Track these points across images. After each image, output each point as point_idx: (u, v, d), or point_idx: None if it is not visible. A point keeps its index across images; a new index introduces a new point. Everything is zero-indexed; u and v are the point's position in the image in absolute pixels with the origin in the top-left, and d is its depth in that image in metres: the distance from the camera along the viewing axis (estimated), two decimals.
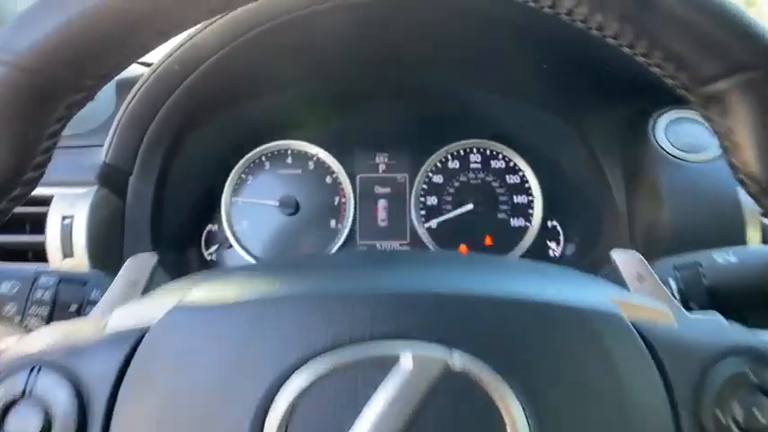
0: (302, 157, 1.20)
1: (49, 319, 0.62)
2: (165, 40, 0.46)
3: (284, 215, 1.16)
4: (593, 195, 1.07)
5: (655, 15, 0.41)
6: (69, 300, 0.64)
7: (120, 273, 0.56)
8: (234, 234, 1.15)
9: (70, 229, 0.81)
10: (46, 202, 0.84)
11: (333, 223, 1.18)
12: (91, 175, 0.86)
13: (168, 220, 1.08)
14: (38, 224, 0.83)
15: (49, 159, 0.45)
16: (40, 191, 0.86)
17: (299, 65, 1.00)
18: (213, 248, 1.16)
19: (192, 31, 0.79)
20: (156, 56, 0.80)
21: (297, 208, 1.17)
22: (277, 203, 1.16)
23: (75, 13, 0.41)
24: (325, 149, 1.19)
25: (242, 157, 1.17)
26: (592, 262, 1.05)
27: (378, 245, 1.19)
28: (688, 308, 0.70)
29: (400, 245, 1.19)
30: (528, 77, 0.98)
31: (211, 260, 1.17)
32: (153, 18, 0.43)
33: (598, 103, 0.97)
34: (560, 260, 1.19)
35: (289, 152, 1.20)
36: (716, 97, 0.42)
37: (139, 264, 0.56)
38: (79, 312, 0.64)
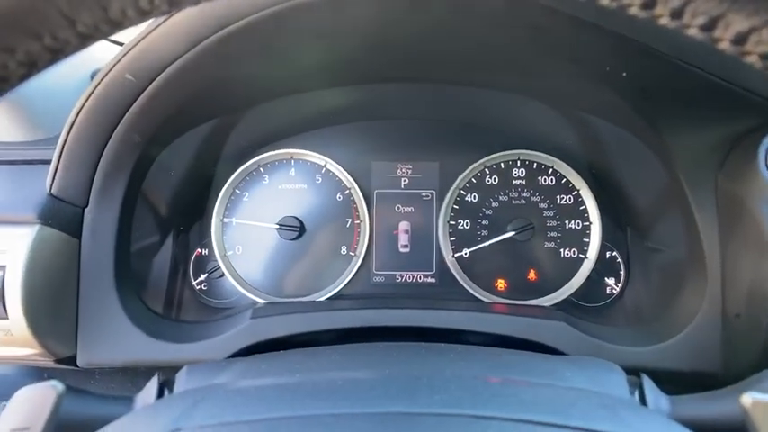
0: (308, 169, 0.99)
1: None
2: (10, 87, 0.27)
3: (286, 239, 0.97)
4: (671, 232, 0.84)
5: None
6: None
7: (3, 417, 0.38)
8: (225, 261, 0.97)
9: (1, 283, 0.64)
10: None
11: (344, 249, 0.98)
12: (31, 210, 0.68)
13: (147, 255, 0.90)
14: None
15: None
16: None
17: (304, 59, 0.78)
18: (202, 277, 0.99)
19: (141, 31, 0.58)
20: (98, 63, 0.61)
21: (301, 231, 0.97)
22: (277, 225, 0.96)
23: None
24: (336, 160, 0.98)
25: (235, 169, 0.97)
26: (664, 318, 0.83)
27: (397, 277, 0.99)
28: None
29: (424, 277, 0.99)
30: (597, 85, 0.74)
31: (201, 289, 0.99)
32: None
33: (691, 120, 0.73)
34: (619, 300, 0.98)
35: (292, 163, 0.99)
36: None
37: (32, 403, 0.38)
38: None
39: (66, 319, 0.71)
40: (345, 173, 0.98)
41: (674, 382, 0.64)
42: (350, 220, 0.98)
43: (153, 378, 0.55)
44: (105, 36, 0.26)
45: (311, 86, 0.88)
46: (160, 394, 0.54)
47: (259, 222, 0.97)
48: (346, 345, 0.65)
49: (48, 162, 0.73)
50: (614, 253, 0.98)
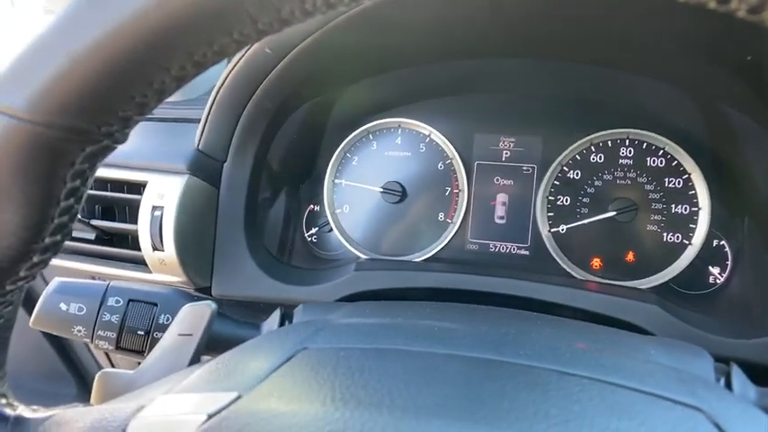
0: (413, 138, 1.05)
1: (118, 343, 0.59)
2: (199, 72, 0.35)
3: (388, 202, 1.05)
4: None
5: None
6: (137, 324, 0.60)
7: (173, 325, 0.49)
8: (334, 218, 1.07)
9: (160, 221, 0.78)
10: (140, 188, 0.81)
11: (441, 216, 1.04)
12: (182, 162, 0.81)
13: (264, 206, 1.02)
14: (133, 211, 0.82)
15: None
16: (134, 175, 0.84)
17: (418, 36, 0.83)
18: (314, 230, 1.10)
19: None
20: None
21: (403, 195, 1.04)
22: (381, 189, 1.04)
23: (80, 47, 0.31)
24: (440, 130, 1.03)
25: (347, 134, 1.05)
26: None
27: (491, 246, 1.03)
28: None
29: (518, 249, 1.02)
30: (720, 69, 0.71)
31: (312, 241, 1.10)
32: (182, 42, 0.31)
33: None
34: (724, 291, 0.94)
35: (399, 131, 1.05)
36: None
37: (194, 316, 0.49)
38: (148, 336, 0.60)
39: (205, 255, 0.85)
40: (448, 143, 1.02)
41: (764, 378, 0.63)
42: (449, 188, 1.03)
43: (276, 310, 0.65)
44: (278, 31, 0.33)
45: (421, 60, 0.92)
46: (282, 324, 0.64)
47: (365, 185, 1.05)
48: (440, 302, 0.71)
49: (193, 121, 0.86)
50: (722, 242, 0.94)
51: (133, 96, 0.34)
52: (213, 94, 0.77)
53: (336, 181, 1.07)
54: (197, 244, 0.83)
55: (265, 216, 1.06)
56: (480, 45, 0.86)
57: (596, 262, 0.98)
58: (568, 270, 0.98)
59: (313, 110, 0.99)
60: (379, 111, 1.05)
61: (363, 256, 1.05)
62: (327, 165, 1.06)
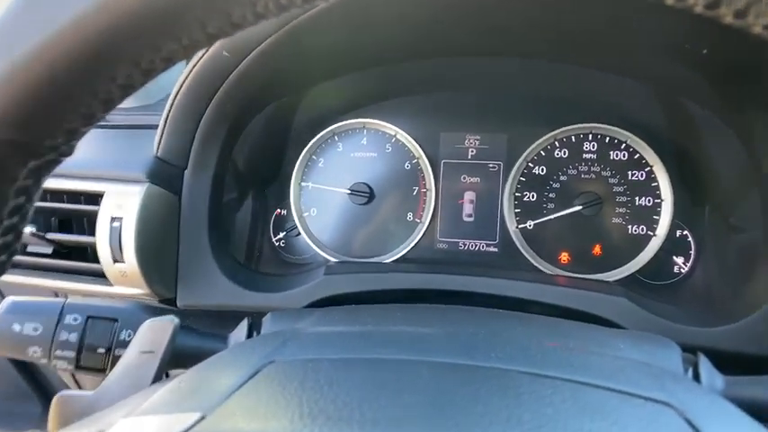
0: (379, 138, 1.04)
1: (77, 363, 0.57)
2: (147, 80, 0.33)
3: (356, 204, 1.03)
4: (749, 214, 0.82)
5: None
6: (97, 341, 0.58)
7: (134, 342, 0.47)
8: (302, 221, 1.05)
9: (119, 232, 0.75)
10: (97, 198, 0.78)
11: (410, 216, 1.04)
12: (141, 170, 0.78)
13: (230, 212, 1.00)
14: (91, 222, 0.78)
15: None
16: (90, 186, 0.81)
17: (380, 34, 0.82)
18: (281, 235, 1.08)
19: None
20: None
21: (371, 196, 1.03)
22: (349, 190, 1.03)
23: (18, 55, 0.29)
24: (406, 130, 1.02)
25: (312, 136, 1.04)
26: (733, 300, 0.82)
27: (460, 245, 1.03)
28: None
29: (487, 247, 1.03)
30: (677, 63, 0.73)
31: (280, 246, 1.08)
32: (126, 49, 0.30)
33: None
34: (688, 280, 0.97)
35: (364, 131, 1.04)
36: None
37: (155, 332, 0.47)
38: (109, 353, 0.58)
39: (168, 266, 0.82)
40: (414, 142, 1.02)
41: (736, 365, 0.64)
42: (417, 188, 1.03)
43: (244, 321, 0.63)
44: (229, 35, 0.32)
45: (385, 60, 0.91)
46: (249, 335, 0.63)
47: (332, 187, 1.04)
48: (410, 305, 0.71)
49: (151, 127, 0.83)
50: (685, 232, 0.97)
51: (78, 107, 0.32)
52: (171, 99, 0.75)
53: (303, 184, 1.06)
54: (159, 254, 0.81)
55: (231, 222, 1.04)
56: (443, 44, 0.86)
57: (564, 256, 1.00)
58: (537, 265, 0.99)
59: (277, 112, 0.97)
60: (344, 111, 1.04)
61: (333, 260, 1.03)
62: (294, 167, 1.04)
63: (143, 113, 0.88)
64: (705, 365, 0.56)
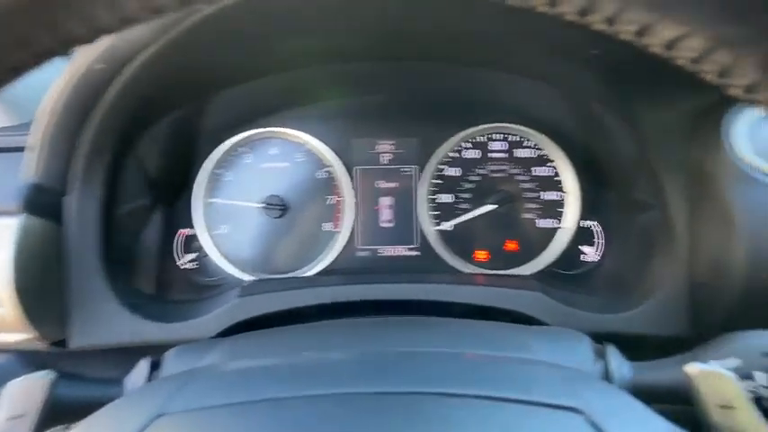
0: (289, 147, 1.00)
1: None
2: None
3: (270, 218, 0.99)
4: (643, 203, 0.86)
5: None
6: None
7: (0, 406, 0.40)
8: (212, 240, 0.99)
9: None
10: None
11: (327, 226, 1.00)
12: (14, 199, 0.69)
13: (130, 236, 0.92)
14: None
15: None
16: None
17: (278, 43, 0.78)
18: (190, 257, 1.01)
19: None
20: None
21: (285, 209, 0.99)
22: (261, 204, 0.98)
23: None
24: (316, 137, 0.99)
25: (215, 147, 0.98)
26: (636, 285, 0.87)
27: (381, 251, 1.02)
28: None
29: (407, 251, 1.02)
30: (568, 62, 0.75)
31: (188, 269, 1.01)
32: None
33: (659, 92, 0.74)
34: (599, 268, 1.01)
35: (273, 141, 1.00)
36: None
37: (24, 392, 0.41)
38: None
39: (56, 303, 0.73)
40: (326, 150, 0.99)
41: (645, 347, 0.67)
42: (332, 196, 1.00)
43: (141, 362, 0.57)
44: (118, 31, 0.27)
45: (289, 66, 0.88)
46: (151, 376, 0.57)
47: (243, 202, 0.98)
48: (325, 322, 0.68)
49: (22, 149, 0.74)
50: (592, 222, 1.01)
51: None
52: (42, 116, 0.66)
53: (210, 200, 0.99)
54: (44, 291, 0.72)
55: (133, 247, 0.96)
56: (344, 49, 0.84)
57: (482, 255, 1.01)
58: (456, 266, 1.00)
59: (175, 124, 0.90)
60: (251, 121, 0.98)
61: (250, 278, 0.98)
62: (200, 183, 0.98)
63: (15, 134, 0.78)
64: (613, 355, 0.58)
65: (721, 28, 0.25)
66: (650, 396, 0.55)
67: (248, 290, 0.85)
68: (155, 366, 0.57)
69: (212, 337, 0.77)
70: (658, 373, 0.56)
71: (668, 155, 0.78)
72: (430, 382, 0.39)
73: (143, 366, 0.56)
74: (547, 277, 0.98)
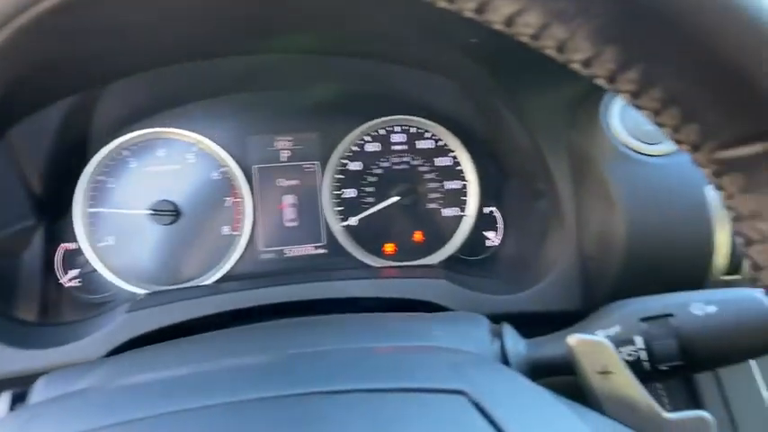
0: (178, 149, 0.94)
1: None
2: None
3: (162, 225, 0.92)
4: (534, 187, 0.90)
5: (667, 40, 0.24)
6: None
7: None
8: (98, 253, 0.91)
9: None
10: None
11: (226, 229, 0.96)
12: None
13: (2, 257, 0.82)
14: None
15: None
16: None
17: (149, 34, 0.73)
18: (73, 273, 0.92)
19: None
20: None
21: (177, 214, 0.93)
22: (149, 211, 0.91)
23: None
24: (209, 136, 0.94)
25: (96, 152, 0.90)
26: (534, 265, 0.90)
27: (286, 251, 0.98)
28: (657, 371, 0.57)
29: (314, 249, 0.99)
30: (453, 52, 0.76)
31: (73, 287, 0.92)
32: None
33: (540, 80, 0.77)
34: (501, 251, 1.04)
35: (159, 143, 0.93)
36: (738, 165, 0.27)
37: None
38: None
39: None
40: (220, 149, 0.94)
41: (544, 324, 0.70)
42: (229, 198, 0.95)
43: (2, 394, 0.51)
44: None
45: (167, 61, 0.82)
46: (14, 408, 0.50)
47: (129, 210, 0.91)
48: (222, 330, 0.64)
49: None
50: (492, 208, 1.04)
51: None
52: None
53: (92, 210, 0.91)
54: None
55: (15, 268, 0.86)
56: (230, 43, 0.79)
57: (390, 247, 1.00)
58: (365, 260, 0.99)
59: (50, 124, 0.82)
60: (131, 122, 0.91)
61: (144, 291, 0.91)
62: (79, 192, 0.89)
63: None
64: (509, 334, 0.59)
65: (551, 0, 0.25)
66: (545, 370, 0.57)
67: (138, 304, 0.79)
68: (19, 398, 0.51)
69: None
70: (550, 347, 0.58)
71: (554, 140, 0.82)
72: (312, 382, 0.37)
73: (3, 399, 0.49)
74: (454, 264, 1.00)
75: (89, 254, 0.90)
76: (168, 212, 0.91)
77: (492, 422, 0.32)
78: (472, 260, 1.04)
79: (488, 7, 0.26)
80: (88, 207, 0.90)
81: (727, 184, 0.28)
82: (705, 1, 0.24)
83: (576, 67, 0.28)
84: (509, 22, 0.27)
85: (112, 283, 0.91)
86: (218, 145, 0.94)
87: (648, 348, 0.55)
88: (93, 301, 0.93)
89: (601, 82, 0.28)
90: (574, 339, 0.44)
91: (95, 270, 0.90)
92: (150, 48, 0.78)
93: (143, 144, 0.92)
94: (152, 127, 0.92)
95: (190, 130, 0.93)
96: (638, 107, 0.28)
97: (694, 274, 0.76)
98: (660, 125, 0.29)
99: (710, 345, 0.54)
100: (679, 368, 0.55)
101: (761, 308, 0.53)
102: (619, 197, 0.75)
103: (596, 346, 0.43)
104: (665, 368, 0.55)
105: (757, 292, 0.55)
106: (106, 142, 0.91)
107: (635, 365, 0.55)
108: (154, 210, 0.91)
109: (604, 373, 0.42)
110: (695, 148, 0.28)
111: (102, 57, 0.74)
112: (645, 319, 0.55)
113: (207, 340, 0.59)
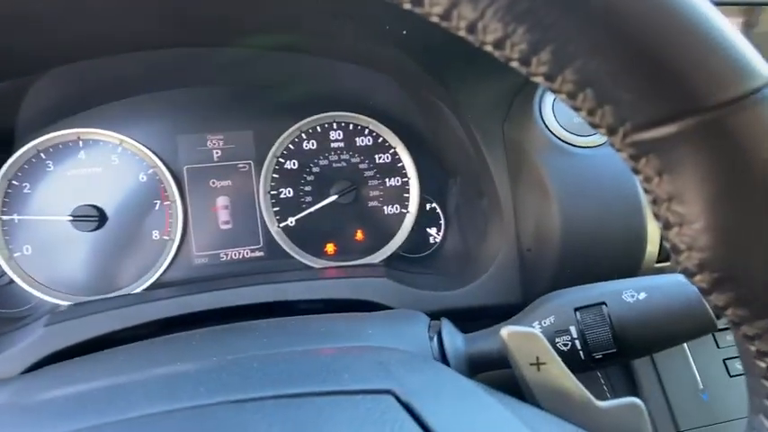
0: (100, 150, 0.88)
1: None
2: None
3: (84, 231, 0.86)
4: (473, 181, 0.90)
5: (577, 19, 0.23)
6: None
7: None
8: (13, 263, 0.84)
9: None
10: None
11: (156, 234, 0.90)
12: None
13: None
14: None
15: None
16: None
17: (68, 24, 0.67)
18: None
19: None
20: None
21: (102, 220, 0.87)
22: (70, 217, 0.85)
23: None
24: (134, 136, 0.88)
25: (7, 157, 0.83)
26: (475, 260, 0.90)
27: (222, 255, 0.94)
28: (593, 359, 0.57)
29: (251, 252, 0.96)
30: (385, 45, 0.75)
31: None
32: None
33: (473, 73, 0.77)
34: (443, 248, 1.04)
35: (80, 144, 0.87)
36: (654, 147, 0.26)
37: None
38: None
39: None
40: (147, 150, 0.89)
41: (485, 319, 0.69)
42: (159, 201, 0.90)
43: None
44: None
45: (91, 54, 0.77)
46: None
47: (47, 216, 0.84)
48: (150, 340, 0.60)
49: None
50: (434, 204, 1.04)
51: None
52: None
53: (5, 218, 0.84)
54: None
55: None
56: (147, 36, 0.75)
57: (330, 247, 0.98)
58: (305, 262, 0.96)
59: None
60: (48, 123, 0.85)
61: (66, 303, 0.85)
62: None
63: None
64: (447, 329, 0.58)
65: None
66: (483, 365, 0.56)
67: (58, 317, 0.73)
68: None
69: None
70: (488, 341, 0.58)
71: (490, 134, 0.82)
72: (229, 391, 0.35)
73: None
74: (396, 262, 0.99)
75: (4, 265, 0.83)
76: (92, 218, 0.85)
77: (419, 421, 0.31)
78: (415, 257, 1.03)
79: None
80: (2, 214, 0.83)
81: (645, 168, 0.28)
82: None
83: (489, 49, 0.27)
84: (416, 1, 0.25)
85: (32, 294, 0.84)
86: (144, 145, 0.89)
87: (582, 337, 0.55)
88: (11, 315, 0.86)
89: (515, 65, 0.27)
90: (506, 332, 0.43)
91: (12, 281, 0.83)
92: (67, 39, 0.72)
93: (61, 146, 0.86)
94: (73, 127, 0.85)
95: (113, 130, 0.87)
96: (553, 90, 0.27)
97: (629, 263, 0.78)
98: (576, 109, 0.28)
99: (642, 331, 0.55)
100: (613, 355, 0.56)
101: (685, 292, 0.55)
102: (553, 189, 0.76)
103: (528, 337, 0.43)
104: (599, 356, 0.56)
105: (681, 277, 0.56)
106: (19, 145, 0.84)
107: (571, 355, 0.56)
108: (75, 216, 0.84)
109: (537, 364, 0.42)
110: (611, 131, 0.28)
111: (14, 47, 0.68)
112: (579, 309, 0.56)
113: (129, 351, 0.55)
